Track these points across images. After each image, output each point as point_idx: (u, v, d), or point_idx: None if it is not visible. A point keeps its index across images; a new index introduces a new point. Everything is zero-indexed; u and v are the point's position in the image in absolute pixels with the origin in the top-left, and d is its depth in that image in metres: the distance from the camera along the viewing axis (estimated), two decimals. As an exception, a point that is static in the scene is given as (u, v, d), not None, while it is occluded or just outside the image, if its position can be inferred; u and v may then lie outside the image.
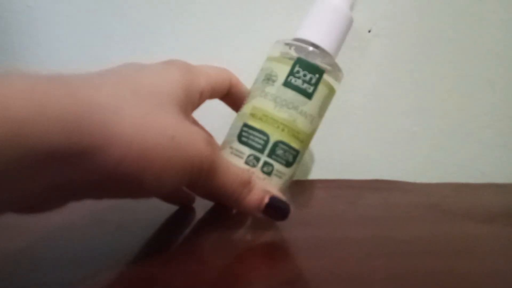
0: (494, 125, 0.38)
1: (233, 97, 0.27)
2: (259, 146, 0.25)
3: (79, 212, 0.24)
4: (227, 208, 0.28)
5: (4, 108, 0.13)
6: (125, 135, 0.16)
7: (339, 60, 0.27)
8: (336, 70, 0.26)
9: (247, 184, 0.22)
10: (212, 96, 0.25)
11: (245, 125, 0.25)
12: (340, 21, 0.26)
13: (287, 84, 0.25)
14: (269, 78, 0.25)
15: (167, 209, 0.27)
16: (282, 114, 0.25)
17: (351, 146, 0.38)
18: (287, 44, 0.26)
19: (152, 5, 0.35)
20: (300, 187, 0.35)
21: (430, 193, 0.35)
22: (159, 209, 0.27)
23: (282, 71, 0.25)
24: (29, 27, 0.35)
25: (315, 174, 0.38)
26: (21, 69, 0.14)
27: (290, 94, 0.25)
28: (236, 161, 0.24)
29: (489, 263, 0.21)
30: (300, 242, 0.24)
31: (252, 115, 0.25)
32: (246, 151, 0.25)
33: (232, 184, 0.22)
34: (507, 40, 0.37)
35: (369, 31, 0.36)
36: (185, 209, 0.28)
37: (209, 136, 0.21)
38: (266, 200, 0.23)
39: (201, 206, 0.28)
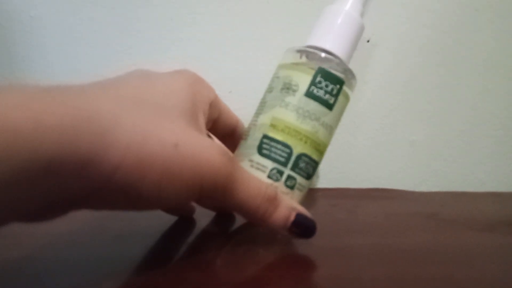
0: (493, 134, 0.38)
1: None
2: (282, 159, 0.23)
3: (79, 220, 0.23)
4: (229, 219, 0.28)
5: (0, 119, 0.13)
6: (122, 142, 0.16)
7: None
8: (350, 78, 0.25)
9: (273, 200, 0.21)
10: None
11: (266, 136, 0.24)
12: (352, 28, 0.26)
13: (309, 94, 0.24)
14: (288, 88, 0.24)
15: (168, 218, 0.27)
16: (305, 126, 0.24)
17: (350, 154, 0.38)
18: (299, 51, 0.25)
19: (154, 13, 0.36)
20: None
21: (429, 201, 0.35)
22: (159, 218, 0.27)
23: (303, 80, 0.24)
24: (31, 37, 0.36)
25: (314, 182, 0.38)
26: (23, 80, 0.14)
27: (313, 105, 0.24)
28: (258, 175, 0.23)
29: (488, 271, 0.21)
30: (300, 251, 0.24)
31: (273, 126, 0.24)
32: (269, 164, 0.23)
33: (256, 199, 0.21)
34: (504, 49, 0.37)
35: (368, 41, 0.36)
36: (185, 219, 0.28)
37: (225, 148, 0.20)
38: (292, 217, 0.21)
39: (201, 215, 0.28)
